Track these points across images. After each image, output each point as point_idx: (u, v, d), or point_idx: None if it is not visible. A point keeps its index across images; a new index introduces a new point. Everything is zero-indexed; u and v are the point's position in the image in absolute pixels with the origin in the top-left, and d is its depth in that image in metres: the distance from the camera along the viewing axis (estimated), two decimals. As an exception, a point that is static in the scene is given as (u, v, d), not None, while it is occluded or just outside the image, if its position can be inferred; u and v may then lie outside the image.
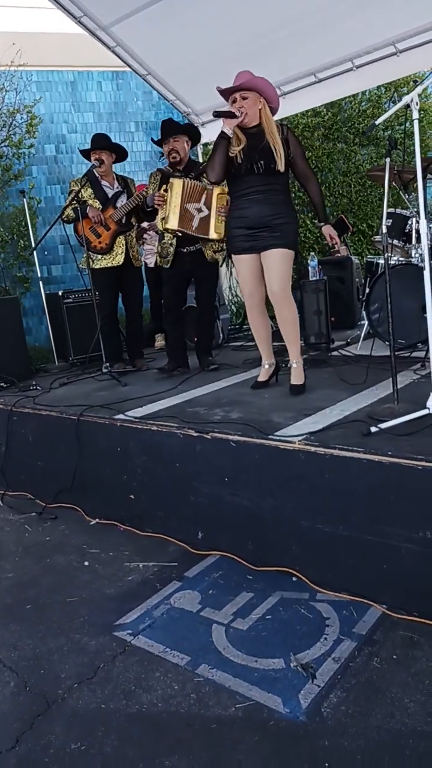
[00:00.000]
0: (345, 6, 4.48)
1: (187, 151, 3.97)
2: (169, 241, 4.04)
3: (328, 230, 3.27)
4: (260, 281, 3.26)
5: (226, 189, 3.54)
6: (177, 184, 3.74)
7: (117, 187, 4.40)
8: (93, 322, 4.31)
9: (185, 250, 4.03)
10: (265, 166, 3.06)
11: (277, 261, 3.13)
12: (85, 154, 4.38)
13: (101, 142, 4.34)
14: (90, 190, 4.33)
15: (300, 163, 3.17)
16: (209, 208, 3.75)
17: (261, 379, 3.50)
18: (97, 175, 4.35)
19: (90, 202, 4.32)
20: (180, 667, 2.04)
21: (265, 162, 3.06)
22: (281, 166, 3.05)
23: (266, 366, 3.49)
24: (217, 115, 3.14)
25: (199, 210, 3.77)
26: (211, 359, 4.29)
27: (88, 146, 4.40)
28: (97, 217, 4.25)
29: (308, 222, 7.37)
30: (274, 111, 3.16)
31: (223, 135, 3.09)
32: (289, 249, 3.15)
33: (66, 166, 8.19)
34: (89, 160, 4.33)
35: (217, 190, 3.72)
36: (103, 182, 4.36)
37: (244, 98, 3.05)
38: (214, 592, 2.45)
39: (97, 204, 4.31)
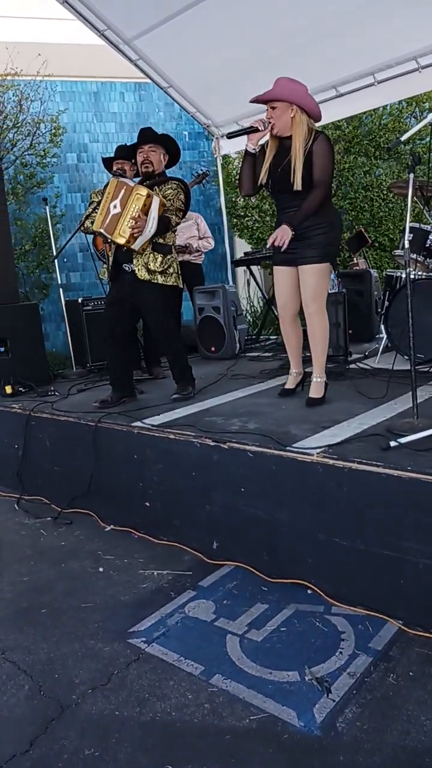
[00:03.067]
0: (367, 21, 4.52)
1: (161, 166, 3.61)
2: (109, 252, 3.64)
3: (280, 230, 3.02)
4: (294, 294, 3.25)
5: (149, 192, 3.31)
6: (110, 183, 3.47)
7: None
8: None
9: (126, 268, 3.60)
10: (287, 187, 3.02)
11: (311, 276, 3.12)
12: (107, 164, 4.43)
13: (124, 152, 4.38)
14: None
15: (316, 169, 2.99)
16: (123, 207, 3.31)
17: (288, 386, 3.52)
18: None
19: None
20: (194, 676, 2.04)
21: (286, 182, 3.02)
22: (297, 186, 2.98)
23: (294, 374, 3.51)
24: (232, 135, 3.14)
25: (114, 206, 3.35)
26: (179, 393, 3.71)
27: (109, 156, 4.45)
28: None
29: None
30: (313, 115, 3.04)
31: (246, 152, 3.10)
32: (324, 262, 3.12)
33: (87, 174, 8.30)
34: (110, 170, 4.37)
35: (137, 189, 3.31)
36: None
37: (273, 108, 3.01)
38: (229, 603, 2.45)
39: None
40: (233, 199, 8.27)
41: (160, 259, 3.55)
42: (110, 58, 6.03)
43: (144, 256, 3.51)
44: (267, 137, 3.11)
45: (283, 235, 3.02)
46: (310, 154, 2.97)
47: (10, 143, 7.15)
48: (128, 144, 4.17)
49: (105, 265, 4.35)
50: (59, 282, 5.61)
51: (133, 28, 5.10)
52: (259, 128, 3.03)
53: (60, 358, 6.58)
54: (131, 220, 3.27)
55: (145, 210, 3.29)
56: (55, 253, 5.45)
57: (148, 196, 3.29)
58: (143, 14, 4.87)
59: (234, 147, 6.42)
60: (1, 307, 4.62)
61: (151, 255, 3.53)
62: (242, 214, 8.37)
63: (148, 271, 3.52)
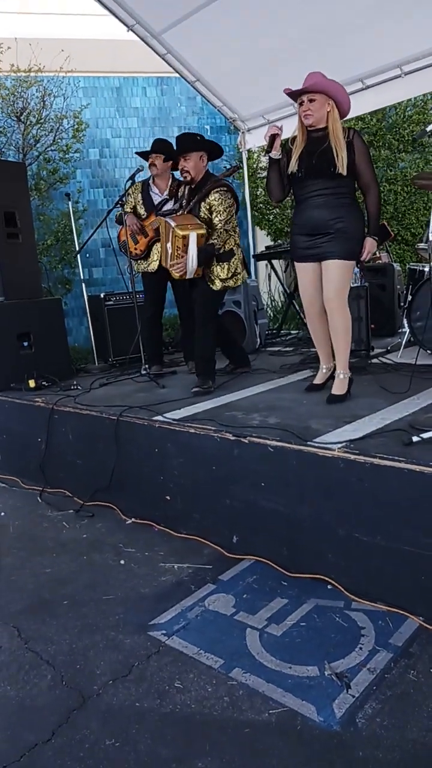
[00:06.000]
0: (394, 12, 4.46)
1: (201, 168, 3.77)
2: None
3: (368, 245, 3.13)
4: (319, 289, 3.21)
5: (183, 233, 3.54)
6: (160, 225, 3.79)
7: (166, 194, 4.36)
8: (133, 325, 4.37)
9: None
10: (326, 170, 3.02)
11: (334, 272, 3.09)
12: (144, 157, 4.38)
13: (159, 145, 4.30)
14: (140, 196, 4.37)
15: (363, 169, 3.07)
16: (172, 246, 3.65)
17: (317, 382, 3.48)
18: (150, 182, 4.37)
19: (138, 207, 4.37)
20: (214, 669, 2.05)
21: (326, 165, 3.01)
22: (342, 170, 2.99)
23: (323, 370, 3.47)
24: (267, 154, 3.23)
25: (169, 247, 3.70)
26: (199, 387, 3.75)
27: (131, 151, 4.48)
28: (134, 226, 4.30)
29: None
30: (344, 114, 3.09)
31: (271, 159, 3.16)
32: (348, 259, 3.09)
33: (109, 170, 8.33)
34: (146, 159, 4.35)
35: (174, 232, 3.58)
36: (153, 189, 4.37)
37: (311, 100, 3.00)
38: (249, 597, 2.45)
39: (143, 210, 4.35)
40: (255, 192, 8.24)
41: (226, 267, 3.78)
42: (132, 53, 6.05)
43: (212, 270, 3.77)
44: (286, 133, 3.11)
45: (372, 248, 3.14)
46: (350, 149, 3.01)
47: (34, 139, 7.20)
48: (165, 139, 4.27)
49: (135, 263, 4.40)
50: (81, 277, 5.65)
51: (161, 21, 5.10)
52: (278, 132, 3.11)
53: (83, 353, 6.63)
54: (175, 264, 3.66)
55: (184, 250, 3.59)
56: (77, 248, 5.48)
57: (183, 237, 3.58)
58: (170, 6, 4.87)
59: (260, 142, 6.40)
60: (24, 302, 4.67)
61: (218, 266, 3.76)
62: (263, 207, 8.32)
63: (221, 281, 3.80)
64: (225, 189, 3.73)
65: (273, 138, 3.11)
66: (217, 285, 3.79)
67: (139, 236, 4.35)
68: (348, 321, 3.18)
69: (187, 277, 3.69)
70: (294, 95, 3.06)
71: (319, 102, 3.00)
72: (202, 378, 3.81)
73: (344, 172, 2.99)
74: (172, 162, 4.16)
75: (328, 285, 3.13)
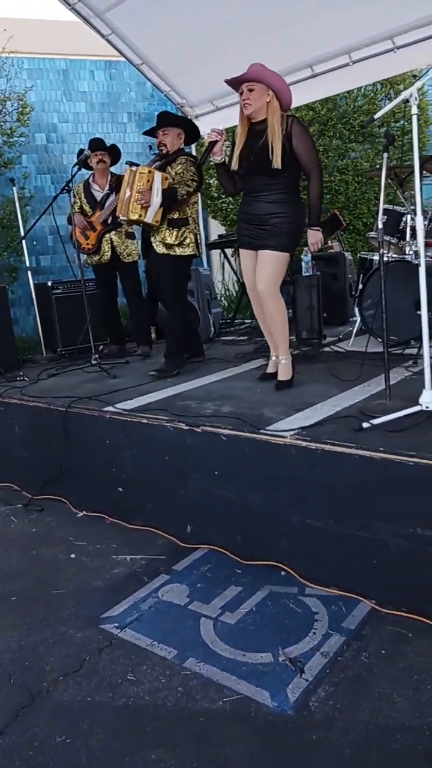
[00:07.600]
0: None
1: (177, 144, 3.86)
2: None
3: (312, 236, 3.10)
4: None
5: (149, 168, 3.62)
6: (126, 173, 3.70)
7: (107, 190, 4.48)
8: (82, 314, 4.27)
9: (152, 243, 3.90)
10: (265, 166, 3.00)
11: (267, 262, 3.11)
12: (85, 163, 4.37)
13: (98, 143, 4.44)
14: (83, 196, 4.52)
15: (303, 155, 3.01)
16: (131, 189, 3.62)
17: (269, 370, 3.48)
18: (90, 181, 4.53)
19: (85, 208, 4.51)
20: (167, 660, 2.02)
21: (265, 162, 3.00)
22: (277, 164, 2.97)
23: (273, 358, 3.46)
24: (201, 163, 3.50)
25: (127, 192, 3.64)
26: (156, 371, 3.85)
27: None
28: (81, 224, 4.44)
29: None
30: (285, 105, 3.07)
31: (216, 164, 3.24)
32: (283, 251, 3.09)
33: (57, 155, 8.09)
34: (87, 166, 4.42)
35: (139, 169, 3.61)
36: (94, 187, 4.52)
37: (250, 90, 3.00)
38: (203, 586, 2.44)
39: (88, 208, 4.50)
40: (206, 181, 8.18)
41: (175, 233, 3.76)
42: (79, 34, 5.87)
43: (160, 233, 3.76)
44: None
45: (319, 240, 3.11)
46: (288, 138, 2.98)
47: (-25, 121, 6.93)
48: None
49: (88, 256, 4.57)
50: (28, 265, 5.48)
51: (104, -1, 4.94)
52: (218, 139, 3.12)
53: (30, 343, 6.44)
54: (137, 194, 3.57)
55: (149, 186, 3.57)
56: (23, 235, 5.32)
57: (149, 172, 3.59)
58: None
59: (209, 128, 6.32)
60: (-33, 290, 4.50)
61: (167, 231, 3.75)
62: (216, 195, 8.27)
63: (166, 245, 3.77)
64: (192, 161, 3.82)
65: (212, 144, 3.14)
66: (161, 249, 3.75)
67: (89, 231, 4.46)
68: (281, 307, 3.21)
69: (147, 219, 3.60)
70: (232, 84, 3.06)
71: (257, 92, 3.00)
72: (167, 361, 3.89)
73: (279, 167, 2.97)
74: (113, 160, 4.54)
75: (260, 275, 3.15)
